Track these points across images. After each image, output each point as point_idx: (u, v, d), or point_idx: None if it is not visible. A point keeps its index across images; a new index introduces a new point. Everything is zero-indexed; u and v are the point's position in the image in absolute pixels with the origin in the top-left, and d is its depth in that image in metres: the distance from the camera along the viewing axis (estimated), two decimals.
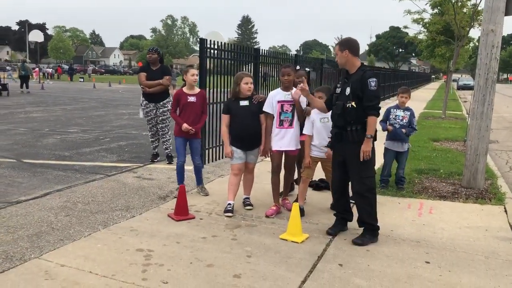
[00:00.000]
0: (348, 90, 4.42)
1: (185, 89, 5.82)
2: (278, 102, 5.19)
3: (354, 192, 4.60)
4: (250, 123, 5.24)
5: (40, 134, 10.75)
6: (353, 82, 4.41)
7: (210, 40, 7.38)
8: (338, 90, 4.59)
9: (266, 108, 5.25)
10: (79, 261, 3.85)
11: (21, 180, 6.43)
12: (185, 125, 5.65)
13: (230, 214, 5.23)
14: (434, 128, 13.81)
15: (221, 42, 7.72)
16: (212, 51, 7.52)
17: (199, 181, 6.06)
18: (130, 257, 3.98)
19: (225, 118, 5.35)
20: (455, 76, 64.26)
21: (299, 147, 5.32)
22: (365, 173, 4.46)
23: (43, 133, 10.94)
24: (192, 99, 5.76)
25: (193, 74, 5.74)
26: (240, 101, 5.29)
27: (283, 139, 5.19)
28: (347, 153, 4.48)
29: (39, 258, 3.90)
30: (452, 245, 4.52)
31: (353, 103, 4.37)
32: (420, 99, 29.55)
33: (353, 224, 4.81)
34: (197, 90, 5.90)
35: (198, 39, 7.54)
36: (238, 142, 5.30)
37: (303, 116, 5.24)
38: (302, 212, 5.15)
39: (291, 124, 5.19)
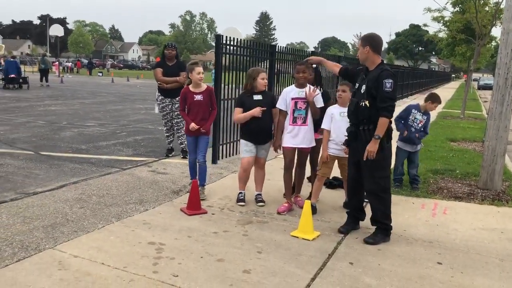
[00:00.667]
0: (363, 88, 4.35)
1: (191, 88, 5.58)
2: (292, 99, 5.17)
3: (367, 191, 4.57)
4: (263, 118, 5.29)
5: (58, 127, 10.92)
6: (369, 80, 4.32)
7: (226, 36, 7.39)
8: (356, 86, 4.56)
9: (279, 105, 5.26)
10: (92, 253, 3.91)
11: (38, 172, 6.55)
12: (192, 124, 5.47)
13: (242, 203, 5.38)
14: (452, 128, 13.62)
15: (237, 38, 7.72)
16: (228, 47, 7.54)
17: (201, 182, 5.69)
18: (142, 250, 4.03)
19: (238, 112, 5.41)
20: (476, 75, 63.25)
21: (313, 144, 5.31)
22: (378, 173, 4.40)
23: (61, 126, 11.11)
24: (198, 97, 5.53)
25: (199, 73, 5.48)
26: (254, 96, 5.35)
27: (296, 137, 5.18)
28: (361, 152, 4.39)
29: (53, 248, 3.97)
30: (465, 247, 4.46)
31: (366, 102, 4.30)
32: None
33: (365, 223, 4.78)
34: (203, 87, 5.59)
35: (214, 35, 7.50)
36: (250, 136, 5.36)
37: (317, 115, 5.22)
38: (314, 210, 5.17)
39: (304, 122, 5.17)
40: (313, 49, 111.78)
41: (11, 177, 6.18)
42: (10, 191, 5.56)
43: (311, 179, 6.05)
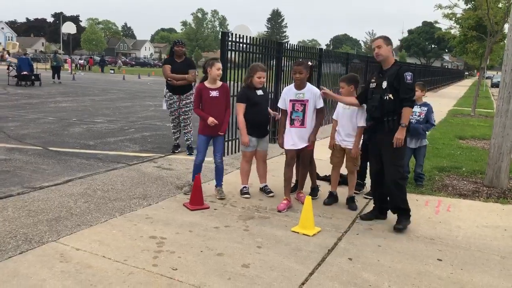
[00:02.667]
0: (384, 84, 4.64)
1: (207, 84, 5.44)
2: (290, 101, 5.21)
3: (389, 180, 4.72)
4: (265, 111, 5.52)
5: (67, 124, 11.05)
6: (389, 76, 4.63)
7: (232, 33, 7.41)
8: (373, 85, 4.79)
9: (280, 104, 5.35)
10: (94, 246, 3.97)
11: (45, 167, 6.64)
12: (211, 119, 5.30)
13: (248, 195, 5.58)
14: (462, 125, 13.51)
15: (243, 35, 7.74)
16: (234, 44, 7.56)
17: (219, 182, 5.64)
18: (143, 243, 4.08)
19: (242, 107, 5.47)
20: (490, 73, 62.47)
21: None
22: (398, 161, 4.70)
23: (70, 123, 11.24)
24: (215, 93, 5.40)
25: (218, 68, 5.37)
26: (257, 91, 5.52)
27: (294, 138, 5.20)
28: (383, 142, 4.69)
29: (56, 241, 4.04)
30: (467, 244, 4.45)
31: (390, 95, 4.61)
32: (450, 96, 28.95)
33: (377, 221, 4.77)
34: (219, 83, 5.49)
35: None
36: (256, 129, 5.47)
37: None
38: (335, 198, 5.49)
39: (302, 124, 5.19)
40: (324, 46, 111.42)
41: (19, 172, 6.28)
42: (17, 185, 5.66)
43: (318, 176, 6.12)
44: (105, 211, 4.89)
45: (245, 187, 5.69)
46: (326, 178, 6.30)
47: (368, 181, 6.16)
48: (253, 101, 5.44)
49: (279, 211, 5.15)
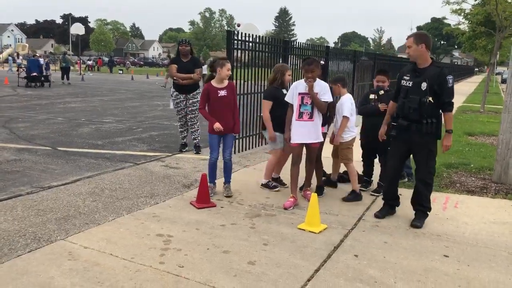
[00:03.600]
0: (424, 85, 4.53)
1: (214, 83, 5.46)
2: (299, 94, 5.20)
3: (419, 179, 4.82)
4: (285, 109, 5.49)
5: (76, 124, 11.14)
6: (429, 77, 4.52)
7: (238, 32, 7.43)
8: (409, 83, 4.64)
9: (288, 98, 5.32)
10: (102, 244, 4.02)
11: (54, 167, 6.72)
12: (217, 124, 5.35)
13: (278, 188, 5.92)
14: (471, 122, 13.42)
15: (249, 34, 7.76)
16: (240, 43, 7.58)
17: (227, 179, 5.68)
18: (150, 241, 4.12)
19: (269, 105, 5.68)
20: (500, 69, 61.85)
21: (321, 139, 5.34)
22: (432, 162, 4.75)
23: (79, 123, 11.34)
24: (222, 93, 5.43)
25: (228, 69, 5.43)
26: (283, 89, 5.75)
27: (302, 132, 5.20)
28: (417, 144, 4.68)
29: (65, 240, 4.09)
30: (474, 240, 4.43)
31: (430, 99, 4.53)
32: (460, 93, 28.69)
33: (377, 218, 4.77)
34: (226, 82, 5.51)
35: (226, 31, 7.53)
36: (282, 126, 5.51)
37: (323, 109, 5.24)
38: (358, 197, 5.61)
39: (311, 117, 5.18)
40: (332, 44, 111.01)
41: (28, 172, 6.36)
42: (27, 185, 5.73)
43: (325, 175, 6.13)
44: (113, 209, 4.94)
45: (269, 181, 5.96)
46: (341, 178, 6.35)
47: (370, 178, 6.18)
48: (280, 99, 5.55)
49: (285, 209, 5.16)
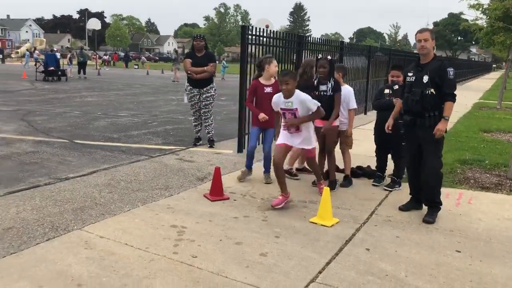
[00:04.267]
0: (425, 78, 4.64)
1: (262, 80, 5.90)
2: (281, 109, 5.09)
3: (430, 173, 4.78)
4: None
5: (92, 117, 11.30)
6: (430, 70, 4.64)
7: (252, 27, 7.46)
8: (412, 78, 4.78)
9: (276, 109, 5.24)
10: (117, 234, 4.10)
11: (71, 159, 6.84)
12: (261, 114, 5.76)
13: (298, 177, 6.27)
14: (487, 118, 13.27)
15: (263, 29, 7.78)
16: (254, 38, 7.60)
17: (267, 169, 6.04)
18: (164, 232, 4.19)
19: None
20: None
21: (313, 145, 5.25)
22: (440, 152, 4.82)
23: (95, 116, 11.50)
24: (268, 89, 5.83)
25: (276, 66, 5.85)
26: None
27: (292, 140, 5.10)
28: (425, 138, 4.73)
29: (81, 229, 4.19)
30: (487, 236, 4.41)
31: (432, 90, 4.62)
32: (476, 89, 28.39)
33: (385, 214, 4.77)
34: (273, 80, 5.92)
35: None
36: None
37: (318, 118, 5.25)
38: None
39: (297, 129, 5.06)
40: (348, 40, 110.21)
41: (46, 164, 6.50)
42: (44, 176, 5.85)
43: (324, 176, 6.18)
44: (128, 201, 5.03)
45: (291, 168, 6.27)
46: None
47: (383, 173, 6.18)
48: (308, 92, 5.65)
49: (273, 206, 4.94)
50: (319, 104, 5.06)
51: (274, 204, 4.98)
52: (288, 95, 4.95)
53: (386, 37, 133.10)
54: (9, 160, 6.64)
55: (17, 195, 5.05)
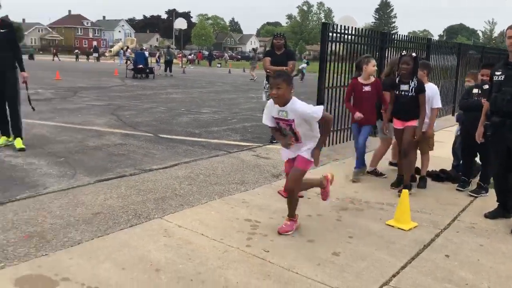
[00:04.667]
0: None
1: (360, 79, 6.00)
2: (274, 118, 4.13)
3: None
4: None
5: (176, 113, 11.82)
6: None
7: (333, 24, 7.38)
8: (502, 77, 4.50)
9: (264, 121, 4.21)
10: (194, 224, 4.27)
11: (155, 152, 7.22)
12: (357, 114, 5.90)
13: (385, 175, 6.22)
14: None
15: (344, 26, 7.66)
16: (334, 35, 7.52)
17: (357, 164, 6.12)
18: (239, 225, 4.29)
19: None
20: None
21: (309, 158, 4.14)
22: None
23: (179, 112, 12.01)
24: (367, 88, 5.93)
25: (374, 65, 5.94)
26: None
27: (292, 152, 4.23)
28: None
29: (161, 218, 4.41)
30: None
31: None
32: None
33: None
34: (372, 79, 5.98)
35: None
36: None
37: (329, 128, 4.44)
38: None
39: (296, 139, 4.11)
40: (437, 37, 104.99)
41: (132, 155, 6.91)
42: (130, 167, 6.23)
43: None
44: (206, 193, 5.21)
45: (375, 169, 6.28)
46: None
47: (469, 178, 5.84)
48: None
49: (279, 233, 4.13)
50: (322, 107, 4.13)
51: (282, 231, 4.14)
52: (279, 101, 3.96)
53: (480, 34, 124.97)
54: (100, 151, 7.15)
55: (105, 183, 5.43)
